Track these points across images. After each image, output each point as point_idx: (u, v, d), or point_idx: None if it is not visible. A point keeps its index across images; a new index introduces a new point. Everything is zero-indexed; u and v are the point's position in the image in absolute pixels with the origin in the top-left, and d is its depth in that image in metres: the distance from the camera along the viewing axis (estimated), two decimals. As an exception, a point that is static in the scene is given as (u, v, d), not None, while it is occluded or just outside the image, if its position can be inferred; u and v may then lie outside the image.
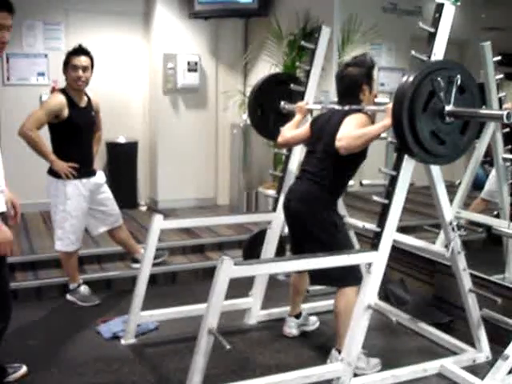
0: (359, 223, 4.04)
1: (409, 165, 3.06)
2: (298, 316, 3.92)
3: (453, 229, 3.36)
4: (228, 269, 2.64)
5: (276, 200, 4.08)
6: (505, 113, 2.52)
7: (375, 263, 3.02)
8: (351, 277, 3.35)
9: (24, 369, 3.35)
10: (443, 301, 4.21)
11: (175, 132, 6.93)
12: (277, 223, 4.01)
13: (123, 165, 6.98)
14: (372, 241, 3.10)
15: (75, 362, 3.53)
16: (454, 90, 2.68)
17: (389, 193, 3.08)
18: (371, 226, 3.15)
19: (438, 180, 3.32)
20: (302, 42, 4.29)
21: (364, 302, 3.00)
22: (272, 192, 4.35)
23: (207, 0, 6.62)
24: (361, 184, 3.68)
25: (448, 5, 3.07)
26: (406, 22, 7.04)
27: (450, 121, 2.70)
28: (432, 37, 3.09)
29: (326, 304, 4.36)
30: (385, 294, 4.35)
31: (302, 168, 3.53)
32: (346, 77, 3.42)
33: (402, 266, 4.53)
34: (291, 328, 3.89)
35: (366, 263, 3.07)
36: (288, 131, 3.69)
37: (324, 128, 3.39)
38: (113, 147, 6.93)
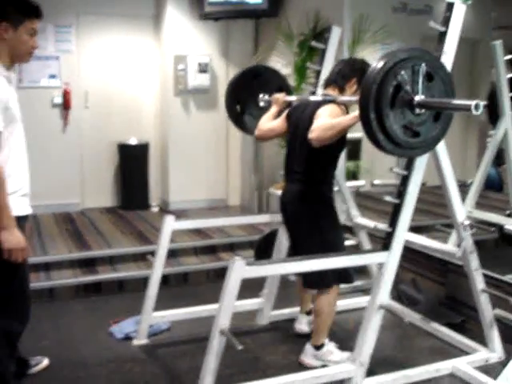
0: (371, 223, 4.05)
1: (421, 164, 3.05)
2: (308, 313, 3.91)
3: (465, 228, 3.35)
4: (240, 269, 2.65)
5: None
6: (473, 103, 2.43)
7: (387, 263, 3.01)
8: (333, 277, 3.39)
9: (46, 361, 3.43)
10: (455, 301, 4.19)
11: (186, 133, 6.94)
12: (288, 223, 4.00)
13: (135, 166, 7.00)
14: (384, 241, 3.09)
15: (88, 363, 3.55)
16: (420, 80, 2.59)
17: (400, 192, 3.08)
18: (383, 226, 3.14)
19: (450, 179, 3.31)
20: (313, 42, 4.29)
21: (376, 302, 3.00)
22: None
23: (217, 1, 6.62)
24: (372, 184, 3.68)
25: (458, 4, 3.06)
26: (416, 21, 7.01)
27: (420, 112, 2.62)
28: (443, 36, 3.08)
29: (337, 304, 4.35)
30: (397, 294, 4.34)
31: (289, 167, 3.50)
32: (352, 62, 3.46)
33: (413, 266, 4.52)
34: (301, 324, 3.90)
35: (378, 263, 3.06)
36: (265, 124, 3.63)
37: (299, 120, 3.37)
38: (124, 149, 6.97)
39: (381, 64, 2.53)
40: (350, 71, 3.35)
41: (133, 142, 6.97)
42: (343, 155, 5.13)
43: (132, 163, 6.99)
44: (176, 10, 6.78)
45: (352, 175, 5.77)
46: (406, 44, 7.25)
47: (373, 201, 5.99)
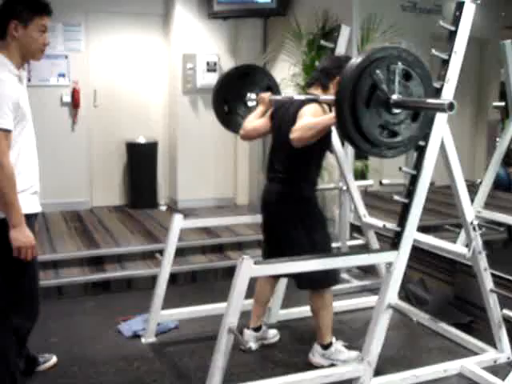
0: (379, 223, 4.04)
1: (429, 164, 3.04)
2: (257, 329, 3.74)
3: (474, 228, 3.34)
4: (248, 268, 2.65)
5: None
6: (446, 102, 2.38)
7: (396, 263, 3.00)
8: (331, 279, 3.41)
9: (54, 359, 3.45)
10: (464, 301, 4.18)
11: (195, 132, 6.95)
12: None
13: (143, 165, 7.02)
14: (392, 240, 3.08)
15: (96, 360, 3.56)
16: (396, 79, 2.52)
17: (409, 192, 3.07)
18: (392, 226, 3.14)
19: (459, 179, 3.30)
20: (322, 42, 4.28)
21: (384, 301, 2.99)
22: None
23: (226, 0, 6.63)
24: (380, 183, 3.67)
25: (468, 3, 3.05)
26: (425, 20, 6.99)
27: (397, 111, 2.55)
28: (453, 35, 3.07)
29: (345, 304, 4.36)
30: (405, 293, 4.33)
31: (271, 166, 3.46)
32: (335, 60, 3.40)
33: (422, 266, 4.51)
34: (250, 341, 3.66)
35: (387, 263, 3.06)
36: (249, 123, 3.58)
37: (282, 119, 3.34)
38: (133, 147, 6.99)
39: (356, 62, 2.48)
40: (334, 69, 3.26)
41: (141, 140, 6.98)
42: (351, 154, 5.15)
43: (140, 162, 7.01)
44: (185, 9, 6.79)
45: (360, 174, 5.77)
46: (415, 43, 7.28)
47: (381, 200, 5.98)
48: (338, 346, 3.51)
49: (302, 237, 3.31)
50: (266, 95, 3.65)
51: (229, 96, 3.96)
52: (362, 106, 2.48)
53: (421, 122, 2.66)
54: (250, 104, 3.92)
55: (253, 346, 3.65)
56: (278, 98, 3.65)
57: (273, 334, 3.83)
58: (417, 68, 2.59)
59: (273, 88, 3.93)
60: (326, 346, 3.46)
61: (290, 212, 3.34)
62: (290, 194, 3.34)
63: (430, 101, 2.59)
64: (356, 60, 2.50)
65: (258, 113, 3.62)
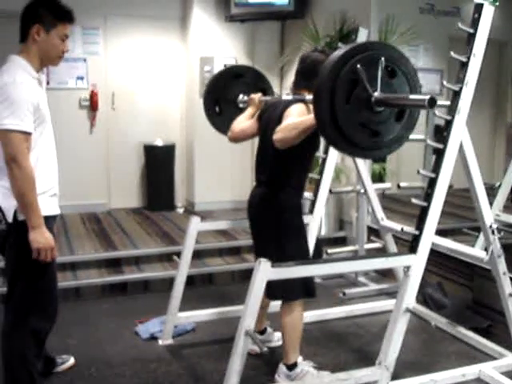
0: (397, 226, 4.02)
1: (448, 167, 3.02)
2: (262, 332, 3.73)
3: (492, 232, 3.31)
4: (265, 270, 2.64)
5: (312, 202, 4.08)
6: (426, 98, 2.26)
7: (413, 266, 2.99)
8: (300, 290, 3.18)
9: (72, 360, 3.48)
10: (482, 305, 4.14)
11: (212, 134, 6.87)
12: (313, 225, 4.00)
13: (160, 167, 7.05)
14: (410, 244, 3.06)
15: (113, 362, 3.58)
16: (379, 75, 2.41)
17: (428, 195, 3.04)
18: (410, 229, 3.12)
19: (478, 182, 3.27)
20: (339, 44, 4.27)
21: (402, 305, 2.97)
22: (308, 194, 4.33)
23: (243, 3, 6.64)
24: (398, 186, 3.65)
25: (487, 5, 3.03)
26: (443, 22, 6.96)
27: (380, 109, 2.43)
28: (471, 37, 3.05)
29: (363, 307, 4.35)
30: (423, 297, 4.31)
31: (257, 169, 3.36)
32: (308, 58, 3.22)
33: (440, 270, 4.48)
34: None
35: (404, 266, 3.04)
36: (237, 125, 3.48)
37: (269, 121, 3.22)
38: (150, 150, 7.02)
39: (337, 56, 2.37)
40: (308, 70, 3.17)
41: (159, 143, 7.02)
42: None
43: (158, 164, 7.04)
44: (202, 12, 6.82)
45: (378, 177, 5.74)
46: (433, 46, 7.25)
47: (399, 203, 5.96)
48: (304, 366, 3.26)
49: (274, 246, 3.17)
50: (256, 96, 3.57)
51: (220, 97, 3.91)
52: (341, 103, 2.36)
53: (405, 121, 2.54)
54: (241, 105, 3.85)
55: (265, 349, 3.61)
56: (267, 98, 3.59)
57: (278, 338, 3.73)
58: (402, 65, 2.49)
59: (266, 90, 3.86)
60: (291, 367, 3.21)
61: (267, 219, 3.23)
62: (270, 201, 3.22)
63: (410, 97, 2.47)
64: (337, 54, 2.40)
65: (247, 114, 3.54)
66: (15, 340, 2.80)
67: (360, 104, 2.41)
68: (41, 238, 2.65)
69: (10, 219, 2.67)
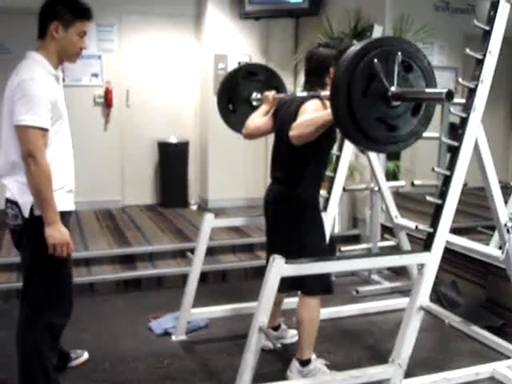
0: (411, 224, 4.02)
1: (463, 164, 3.01)
2: (276, 328, 3.74)
3: (508, 230, 3.30)
4: (279, 267, 2.65)
5: (326, 200, 4.07)
6: (444, 91, 2.24)
7: (428, 264, 2.98)
8: (321, 287, 3.21)
9: (86, 355, 3.51)
10: (496, 304, 4.13)
11: (225, 132, 6.86)
12: (327, 223, 3.98)
13: (174, 164, 7.07)
14: (425, 241, 3.06)
15: (127, 357, 3.60)
16: (396, 70, 2.41)
17: (442, 193, 3.04)
18: (424, 227, 3.11)
19: (493, 181, 3.26)
20: (354, 42, 4.25)
21: (416, 303, 2.97)
22: (322, 192, 4.32)
23: (258, 0, 6.64)
24: (412, 184, 3.64)
25: (503, 2, 3.02)
26: (458, 20, 6.92)
27: (396, 104, 2.43)
28: (487, 35, 3.04)
29: (376, 305, 4.35)
30: (436, 296, 4.30)
31: (273, 166, 3.36)
32: (314, 56, 3.18)
33: (454, 268, 4.47)
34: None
35: (418, 264, 3.03)
36: (252, 122, 3.49)
37: (284, 117, 3.21)
38: (164, 147, 7.05)
39: (354, 52, 2.38)
40: (322, 63, 3.14)
41: (173, 140, 7.04)
42: (382, 154, 5.12)
43: (172, 161, 7.07)
44: (217, 10, 6.83)
45: (392, 175, 5.73)
46: (448, 43, 7.22)
47: (413, 201, 5.94)
48: (318, 363, 3.29)
49: (294, 240, 3.17)
50: (270, 93, 3.56)
51: (234, 95, 3.92)
52: (359, 97, 2.37)
53: (421, 116, 2.54)
54: (255, 103, 3.86)
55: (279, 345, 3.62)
56: (281, 96, 3.58)
57: (291, 335, 3.75)
58: (418, 60, 2.49)
59: (280, 88, 3.86)
60: (305, 363, 3.23)
61: (285, 214, 3.22)
62: (287, 196, 3.21)
63: (427, 91, 2.48)
64: (354, 49, 2.41)
65: (262, 111, 3.54)
66: (31, 334, 2.82)
67: (377, 98, 2.41)
68: (57, 233, 2.66)
69: (26, 214, 2.69)
